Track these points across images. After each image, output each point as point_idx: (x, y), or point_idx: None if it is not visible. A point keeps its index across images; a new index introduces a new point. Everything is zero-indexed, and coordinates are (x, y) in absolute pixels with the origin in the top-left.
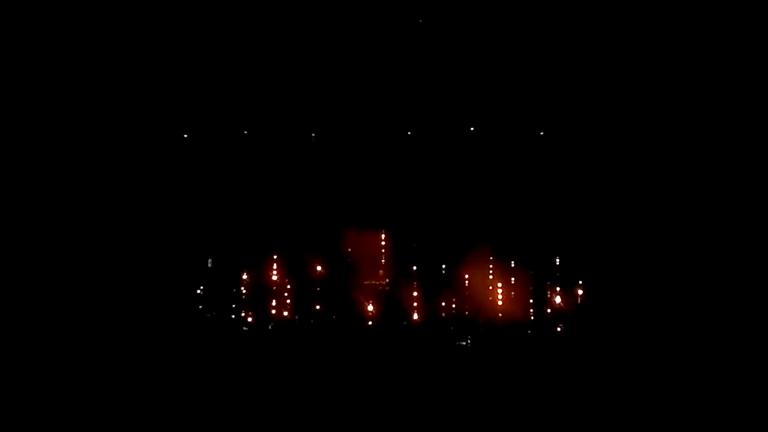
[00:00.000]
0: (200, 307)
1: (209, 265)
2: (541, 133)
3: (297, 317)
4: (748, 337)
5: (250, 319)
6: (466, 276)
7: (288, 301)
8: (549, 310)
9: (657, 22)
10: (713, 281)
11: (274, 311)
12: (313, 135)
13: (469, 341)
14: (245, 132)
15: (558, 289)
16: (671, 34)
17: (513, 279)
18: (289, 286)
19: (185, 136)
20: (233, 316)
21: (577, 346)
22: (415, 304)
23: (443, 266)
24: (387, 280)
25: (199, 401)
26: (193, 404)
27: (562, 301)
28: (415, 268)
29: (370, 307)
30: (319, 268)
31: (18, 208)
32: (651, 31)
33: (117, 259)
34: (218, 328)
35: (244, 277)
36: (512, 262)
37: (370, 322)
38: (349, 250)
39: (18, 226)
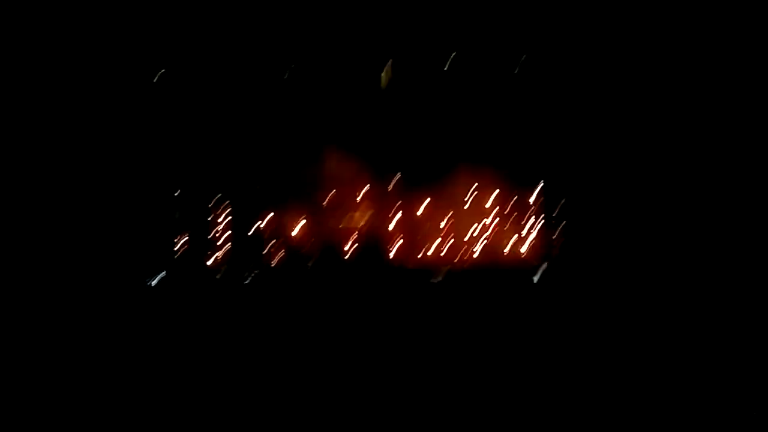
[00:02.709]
0: (175, 254)
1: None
2: (516, 71)
3: (275, 263)
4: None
5: (225, 267)
6: (445, 213)
7: (265, 246)
8: (528, 249)
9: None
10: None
11: (251, 257)
12: (286, 74)
13: (442, 279)
14: (217, 72)
15: (539, 227)
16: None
17: (492, 217)
18: (265, 231)
19: (154, 80)
20: (209, 264)
21: (556, 287)
22: (391, 245)
23: (421, 206)
24: (363, 222)
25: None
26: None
27: (542, 241)
28: (392, 208)
29: (347, 249)
30: (296, 211)
31: None
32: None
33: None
34: (194, 278)
35: (219, 222)
36: (491, 202)
37: (347, 263)
38: (326, 192)
39: None
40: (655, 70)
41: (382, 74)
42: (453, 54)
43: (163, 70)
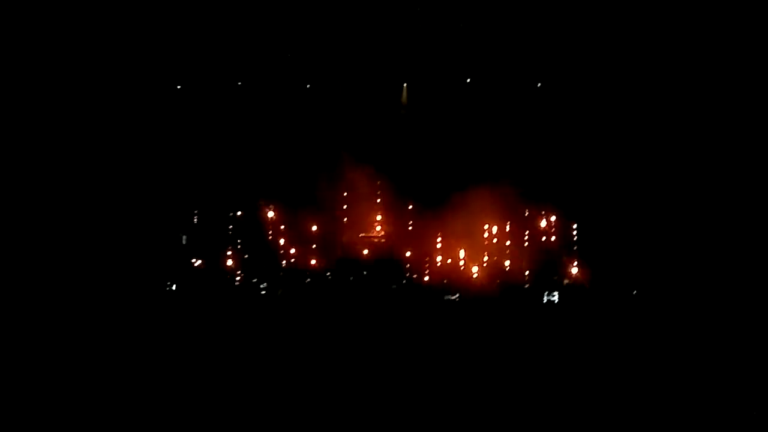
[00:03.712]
0: (194, 264)
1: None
2: (539, 85)
3: (293, 274)
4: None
5: (242, 274)
6: (462, 229)
7: (285, 257)
8: (544, 269)
9: None
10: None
11: (272, 268)
12: (308, 86)
13: (458, 296)
14: (239, 83)
15: (555, 244)
16: None
17: (509, 235)
18: (283, 242)
19: (179, 87)
20: (228, 274)
21: (568, 306)
22: (409, 257)
23: (438, 217)
24: (383, 233)
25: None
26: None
27: (558, 260)
28: (410, 222)
29: (366, 261)
30: (314, 222)
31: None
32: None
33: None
34: (212, 284)
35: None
36: (510, 220)
37: (365, 274)
38: (345, 203)
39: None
40: (668, 91)
41: (403, 92)
42: (470, 75)
43: (186, 82)
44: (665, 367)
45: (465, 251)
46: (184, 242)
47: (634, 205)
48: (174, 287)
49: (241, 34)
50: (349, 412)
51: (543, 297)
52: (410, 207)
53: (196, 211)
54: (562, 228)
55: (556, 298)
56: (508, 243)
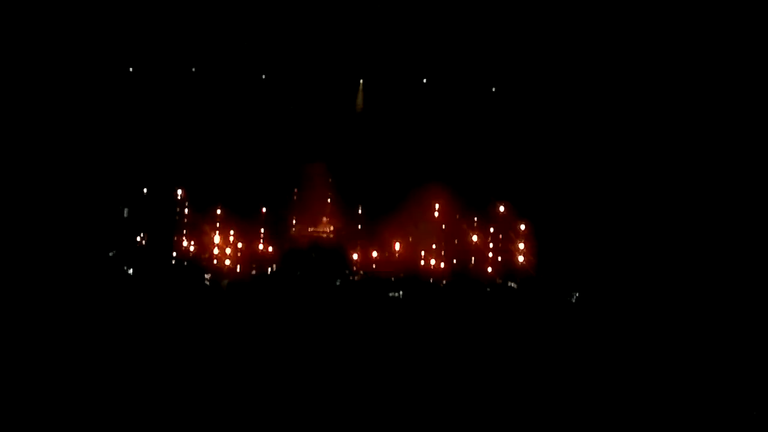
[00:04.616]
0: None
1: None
2: (493, 89)
3: (239, 269)
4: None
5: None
6: (411, 225)
7: (230, 252)
8: (491, 263)
9: None
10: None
11: (214, 263)
12: (263, 76)
13: (401, 293)
14: (193, 69)
15: (501, 238)
16: None
17: (457, 228)
18: (231, 235)
19: (130, 69)
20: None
21: (517, 301)
22: (356, 253)
23: (387, 214)
24: (331, 228)
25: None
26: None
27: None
28: (359, 215)
29: (314, 256)
30: (263, 216)
31: None
32: None
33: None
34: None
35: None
36: (458, 212)
37: (311, 268)
38: (295, 198)
39: None
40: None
41: (358, 89)
42: (426, 75)
43: (139, 67)
44: (638, 361)
45: (413, 248)
46: (127, 232)
47: (591, 203)
48: (117, 279)
49: (198, 21)
50: (290, 405)
51: (491, 293)
52: (360, 204)
53: (142, 201)
54: (514, 225)
55: (505, 294)
56: (457, 240)
